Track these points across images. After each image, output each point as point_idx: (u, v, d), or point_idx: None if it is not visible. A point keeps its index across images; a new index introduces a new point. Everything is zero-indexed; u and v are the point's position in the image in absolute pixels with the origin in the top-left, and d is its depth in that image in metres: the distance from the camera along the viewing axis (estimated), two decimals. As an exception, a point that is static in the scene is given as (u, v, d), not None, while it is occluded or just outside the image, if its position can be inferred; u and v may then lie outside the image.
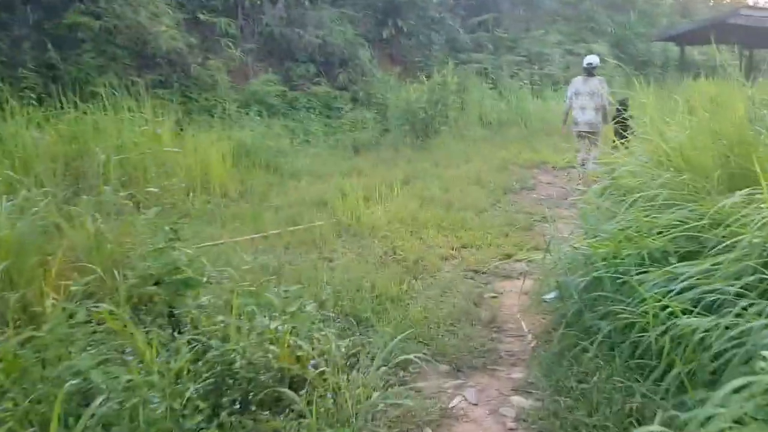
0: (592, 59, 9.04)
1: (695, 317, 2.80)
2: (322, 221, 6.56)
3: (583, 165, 8.85)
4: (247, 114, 12.38)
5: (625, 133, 7.08)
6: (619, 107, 8.49)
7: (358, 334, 3.71)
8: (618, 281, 3.53)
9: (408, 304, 4.29)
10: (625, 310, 3.20)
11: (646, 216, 3.84)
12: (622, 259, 3.62)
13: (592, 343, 3.27)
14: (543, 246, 6.07)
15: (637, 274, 3.44)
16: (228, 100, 12.66)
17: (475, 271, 5.21)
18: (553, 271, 3.96)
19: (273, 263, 5.09)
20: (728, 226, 3.47)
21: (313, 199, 7.57)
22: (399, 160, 10.68)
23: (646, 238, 3.65)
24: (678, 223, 3.70)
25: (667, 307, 2.96)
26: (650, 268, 3.50)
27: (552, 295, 4.38)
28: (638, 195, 4.11)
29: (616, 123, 8.02)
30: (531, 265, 5.52)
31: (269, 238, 6.06)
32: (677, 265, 3.28)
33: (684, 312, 2.90)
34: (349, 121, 13.97)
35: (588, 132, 8.85)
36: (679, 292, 3.13)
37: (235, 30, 14.02)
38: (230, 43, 13.67)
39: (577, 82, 9.01)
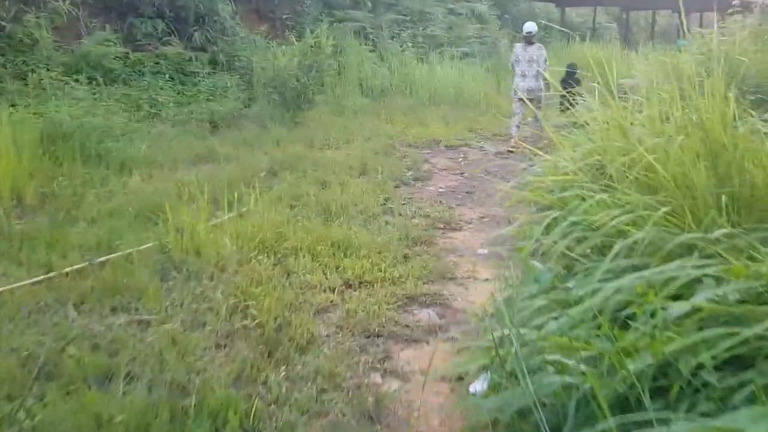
0: (531, 27, 9.16)
1: None
2: (150, 243, 4.67)
3: (518, 127, 9.12)
4: (77, 81, 9.88)
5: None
6: (569, 70, 9.08)
7: None
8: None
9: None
10: None
11: (645, 284, 2.34)
12: (625, 375, 2.11)
13: None
14: (451, 274, 4.58)
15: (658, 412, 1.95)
16: (51, 64, 10.10)
17: (367, 335, 3.56)
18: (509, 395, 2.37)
19: (46, 347, 3.17)
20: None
21: (143, 206, 5.56)
22: (266, 141, 8.78)
23: (660, 337, 2.15)
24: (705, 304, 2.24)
25: None
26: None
27: (479, 385, 2.85)
28: (622, 243, 2.61)
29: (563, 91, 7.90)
30: (439, 308, 3.99)
31: (63, 279, 4.08)
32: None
33: None
34: (207, 89, 11.74)
35: (529, 99, 8.26)
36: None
37: (61, -23, 11.29)
38: (56, -6, 10.96)
39: (518, 49, 9.18)
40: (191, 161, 7.76)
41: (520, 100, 8.94)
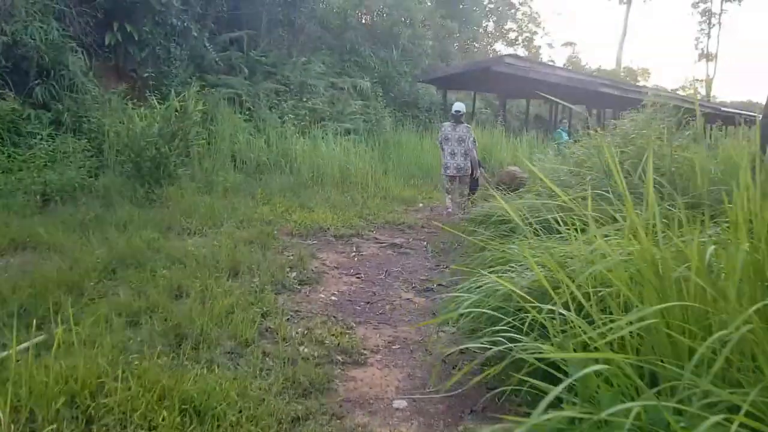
0: (460, 107, 9.22)
1: None
2: None
3: (452, 200, 9.42)
4: None
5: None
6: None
7: None
8: None
9: None
10: None
11: None
12: None
13: None
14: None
15: None
16: None
17: None
18: None
19: None
20: None
21: None
22: (109, 223, 6.98)
23: None
24: None
25: None
26: None
27: None
28: None
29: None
30: None
31: None
32: None
33: None
34: (45, 154, 9.69)
35: (457, 175, 9.21)
36: None
37: None
38: None
39: (447, 128, 9.22)
40: (1, 250, 5.85)
41: (450, 177, 9.26)
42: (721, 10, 47.31)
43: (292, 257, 6.46)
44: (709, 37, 48.50)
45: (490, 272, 4.01)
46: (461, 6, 28.98)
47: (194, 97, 9.66)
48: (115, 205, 7.83)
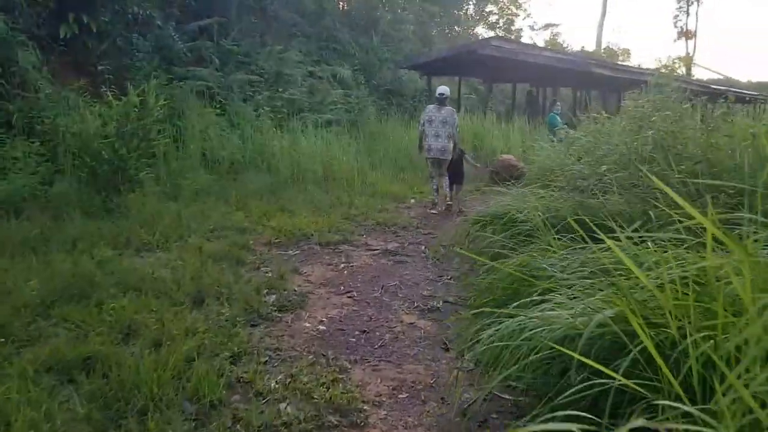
0: (444, 90, 9.19)
1: None
2: None
3: (437, 190, 9.37)
4: None
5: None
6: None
7: None
8: None
9: None
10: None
11: None
12: None
13: None
14: None
15: None
16: None
17: None
18: None
19: None
20: None
21: None
22: (56, 241, 5.97)
23: None
24: None
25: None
26: None
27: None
28: None
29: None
30: None
31: None
32: None
33: None
34: (-8, 160, 8.64)
35: (441, 158, 9.05)
36: None
37: None
38: None
39: (431, 110, 9.10)
40: None
41: (433, 160, 9.08)
42: (699, -15, 46.71)
43: (270, 274, 5.50)
44: (687, 14, 47.91)
45: (516, 305, 3.14)
46: (441, -12, 28.00)
47: (155, 90, 8.61)
48: (67, 218, 6.81)
